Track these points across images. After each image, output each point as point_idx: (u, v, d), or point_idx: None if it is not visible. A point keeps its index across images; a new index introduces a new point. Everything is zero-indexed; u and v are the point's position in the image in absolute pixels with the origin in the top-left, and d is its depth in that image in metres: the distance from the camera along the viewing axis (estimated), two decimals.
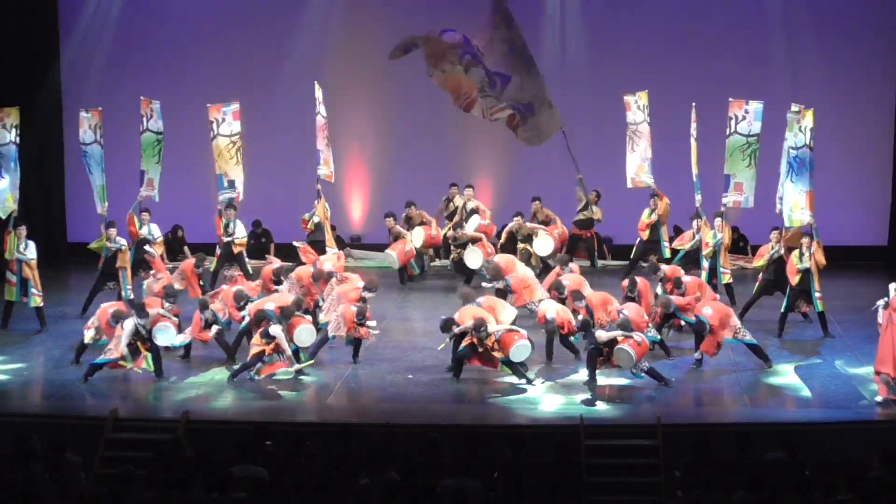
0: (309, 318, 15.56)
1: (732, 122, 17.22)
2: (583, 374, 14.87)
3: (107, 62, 21.97)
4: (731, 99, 17.31)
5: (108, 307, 15.43)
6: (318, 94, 19.20)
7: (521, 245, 19.20)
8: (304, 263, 17.69)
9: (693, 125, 17.86)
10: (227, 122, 18.34)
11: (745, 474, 10.63)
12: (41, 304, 17.06)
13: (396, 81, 21.82)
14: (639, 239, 19.25)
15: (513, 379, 14.85)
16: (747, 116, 17.15)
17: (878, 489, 10.41)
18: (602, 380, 14.78)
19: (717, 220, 17.64)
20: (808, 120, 16.18)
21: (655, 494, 12.05)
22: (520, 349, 14.73)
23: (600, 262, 20.67)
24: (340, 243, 20.86)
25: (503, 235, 19.59)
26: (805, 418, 13.57)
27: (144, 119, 18.37)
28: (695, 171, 17.89)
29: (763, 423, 13.27)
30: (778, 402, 14.31)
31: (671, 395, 14.47)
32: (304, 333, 15.12)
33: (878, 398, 13.88)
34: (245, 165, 18.83)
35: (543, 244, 19.11)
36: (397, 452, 11.53)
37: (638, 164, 19.04)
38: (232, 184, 18.58)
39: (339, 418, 13.63)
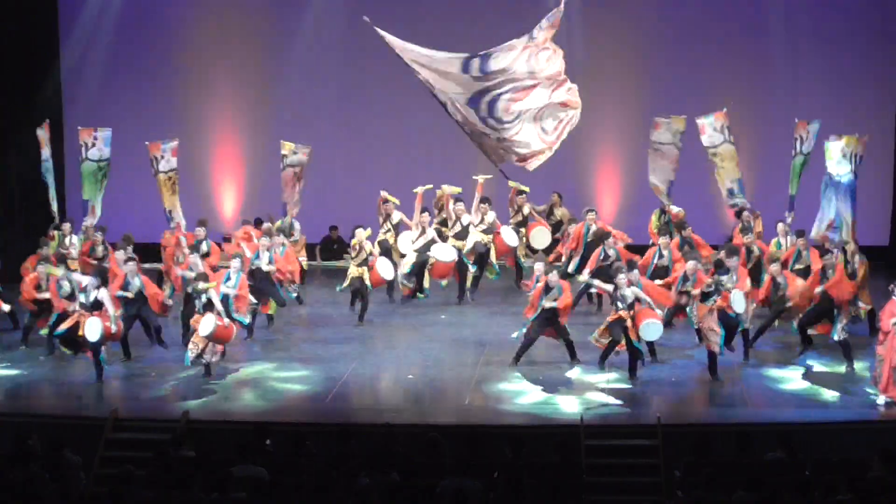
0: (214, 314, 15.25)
1: (797, 143, 17.06)
2: (581, 374, 14.93)
3: (107, 62, 21.96)
4: (796, 120, 17.14)
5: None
6: (285, 150, 19.28)
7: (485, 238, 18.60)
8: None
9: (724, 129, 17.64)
10: (165, 160, 18.25)
11: (745, 474, 10.62)
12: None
13: (397, 82, 21.83)
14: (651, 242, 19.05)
15: (516, 378, 14.91)
16: (808, 136, 17.01)
17: (878, 489, 10.41)
18: (603, 380, 14.82)
19: (780, 226, 17.53)
20: (859, 148, 15.84)
21: (655, 494, 12.04)
22: (651, 327, 14.70)
23: None
24: (341, 244, 20.90)
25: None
26: (805, 418, 13.56)
27: (83, 149, 18.29)
28: (737, 174, 17.67)
29: (763, 423, 13.27)
30: (778, 402, 14.30)
31: (671, 395, 14.48)
32: (206, 322, 15.01)
33: (879, 401, 13.87)
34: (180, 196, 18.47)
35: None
36: (397, 452, 11.54)
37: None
38: (170, 214, 18.47)
39: (339, 418, 13.63)
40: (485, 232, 18.51)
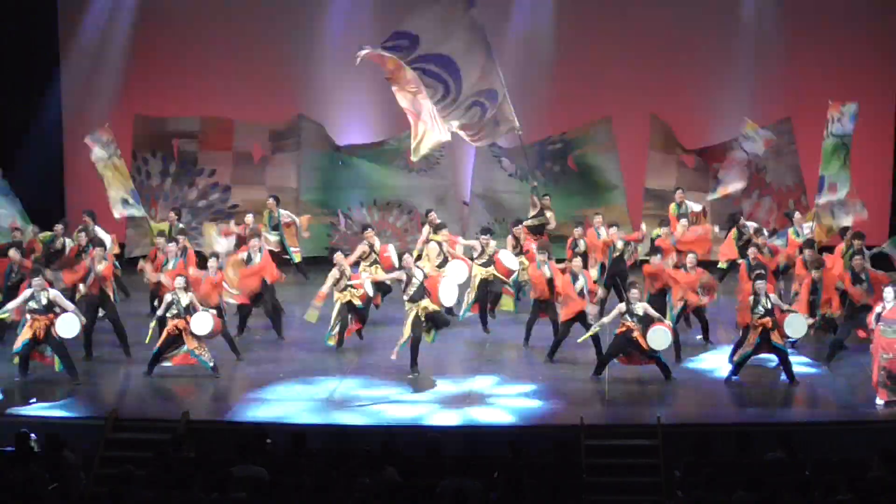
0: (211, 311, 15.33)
1: (829, 123, 16.96)
2: (581, 374, 14.96)
3: (106, 63, 21.91)
4: (829, 100, 17.08)
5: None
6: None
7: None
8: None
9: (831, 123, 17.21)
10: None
11: (745, 474, 10.62)
12: None
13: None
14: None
15: (515, 378, 14.96)
16: (842, 118, 16.95)
17: (878, 489, 10.41)
18: (603, 380, 14.83)
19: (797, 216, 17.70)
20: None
21: (655, 494, 12.04)
22: (656, 333, 14.57)
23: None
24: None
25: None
26: (805, 418, 13.57)
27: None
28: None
29: (763, 423, 13.27)
30: (778, 402, 14.31)
31: (671, 395, 14.48)
32: (201, 320, 15.03)
33: (879, 401, 13.88)
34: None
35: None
36: (397, 452, 11.54)
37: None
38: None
39: (339, 418, 13.64)
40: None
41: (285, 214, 19.30)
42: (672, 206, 19.07)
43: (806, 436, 12.67)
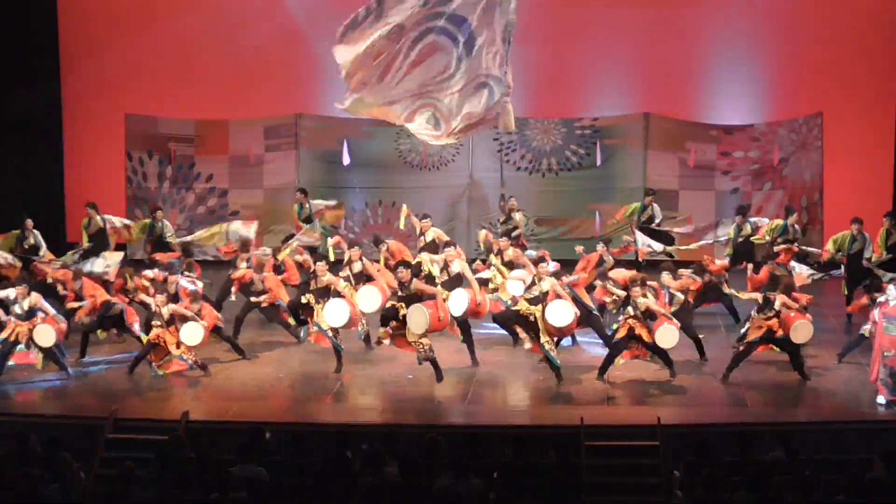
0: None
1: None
2: (581, 374, 14.95)
3: (106, 64, 21.93)
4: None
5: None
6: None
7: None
8: None
9: None
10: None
11: (745, 474, 10.63)
12: None
13: None
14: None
15: (515, 378, 14.92)
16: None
17: (878, 489, 10.42)
18: (603, 380, 14.84)
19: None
20: None
21: (655, 495, 12.05)
22: (665, 332, 14.60)
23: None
24: None
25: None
26: (805, 418, 13.57)
27: None
28: None
29: (763, 423, 13.28)
30: (778, 402, 14.31)
31: (671, 395, 14.48)
32: (191, 331, 15.10)
33: (880, 401, 13.89)
34: None
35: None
36: (397, 452, 11.54)
37: None
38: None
39: (339, 418, 13.64)
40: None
41: (317, 204, 19.00)
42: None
43: (806, 436, 12.68)
